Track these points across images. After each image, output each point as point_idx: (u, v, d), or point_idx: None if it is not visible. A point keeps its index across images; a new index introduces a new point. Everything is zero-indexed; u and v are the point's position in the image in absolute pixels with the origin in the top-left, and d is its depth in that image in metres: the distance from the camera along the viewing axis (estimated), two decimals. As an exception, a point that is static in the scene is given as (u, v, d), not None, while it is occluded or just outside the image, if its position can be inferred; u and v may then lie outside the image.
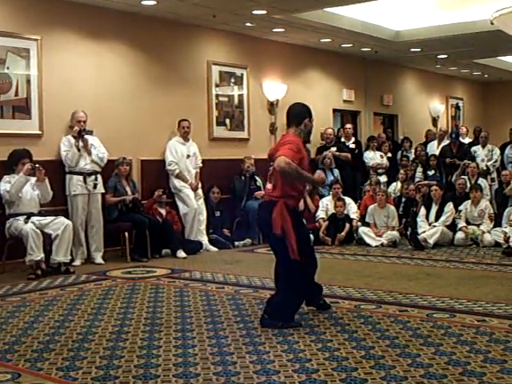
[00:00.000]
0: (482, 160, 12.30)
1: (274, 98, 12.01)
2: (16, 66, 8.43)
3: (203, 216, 10.03)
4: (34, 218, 7.80)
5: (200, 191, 10.13)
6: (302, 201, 10.44)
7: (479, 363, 4.16)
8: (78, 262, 8.57)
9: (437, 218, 10.13)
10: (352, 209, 10.72)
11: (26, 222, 7.68)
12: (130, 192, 9.24)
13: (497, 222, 10.14)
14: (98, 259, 8.78)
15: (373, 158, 12.95)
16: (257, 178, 10.81)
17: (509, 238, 9.34)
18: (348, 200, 10.81)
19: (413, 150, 13.56)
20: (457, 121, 18.20)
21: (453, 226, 10.12)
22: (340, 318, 5.45)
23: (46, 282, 7.35)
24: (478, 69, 16.90)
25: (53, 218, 7.93)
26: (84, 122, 8.74)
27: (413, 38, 12.50)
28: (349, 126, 13.33)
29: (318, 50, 13.10)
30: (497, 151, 12.60)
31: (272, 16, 10.23)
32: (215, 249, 9.87)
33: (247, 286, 6.99)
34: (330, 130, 12.50)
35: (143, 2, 9.18)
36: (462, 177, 11.28)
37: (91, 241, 8.86)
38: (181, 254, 9.17)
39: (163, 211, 9.57)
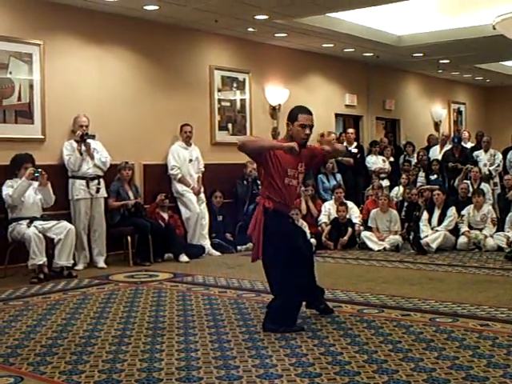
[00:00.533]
0: (485, 165, 12.30)
1: (276, 102, 12.02)
2: (19, 70, 8.45)
3: (205, 220, 10.04)
4: (36, 223, 7.80)
5: (202, 195, 10.14)
6: (304, 205, 10.59)
7: (482, 368, 4.15)
8: (80, 266, 8.57)
9: (439, 223, 10.13)
10: (354, 213, 10.72)
11: (29, 226, 7.69)
12: (132, 196, 9.26)
13: (499, 226, 10.13)
14: (101, 263, 8.78)
15: (375, 162, 12.97)
16: (259, 183, 10.79)
17: (511, 242, 9.34)
18: (350, 204, 10.81)
19: (415, 155, 13.56)
20: (459, 125, 18.20)
21: (455, 231, 10.12)
22: (343, 323, 5.45)
23: (48, 286, 7.35)
24: (480, 74, 16.90)
25: (55, 222, 7.94)
26: (86, 126, 8.75)
27: (415, 42, 12.50)
28: (351, 130, 13.34)
29: (320, 55, 13.11)
30: (499, 156, 12.60)
31: (274, 21, 10.25)
32: (218, 253, 9.87)
33: (250, 290, 6.99)
34: (332, 135, 12.50)
35: (145, 7, 9.20)
36: (465, 181, 11.28)
37: (94, 245, 8.86)
38: (183, 258, 9.17)
39: (166, 215, 9.57)
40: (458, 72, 16.49)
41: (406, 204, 11.32)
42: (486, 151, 12.61)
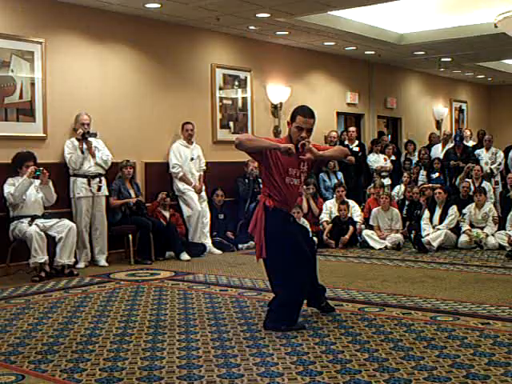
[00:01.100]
0: (486, 163, 12.31)
1: (278, 100, 12.02)
2: (20, 68, 8.45)
3: (207, 219, 10.04)
4: (38, 221, 7.81)
5: (204, 194, 10.14)
6: (305, 203, 10.59)
7: (483, 366, 4.16)
8: (81, 265, 8.58)
9: (441, 221, 10.13)
10: (356, 212, 10.72)
11: (30, 225, 7.70)
12: (133, 195, 9.26)
13: (501, 224, 10.13)
14: (102, 262, 8.79)
15: (376, 160, 12.96)
16: (260, 181, 10.80)
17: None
18: (352, 203, 10.81)
19: (416, 153, 13.57)
20: (460, 124, 18.19)
21: (457, 229, 10.12)
22: (344, 321, 5.45)
23: (49, 285, 7.36)
24: (481, 72, 16.90)
25: (57, 220, 7.95)
26: (88, 124, 8.75)
27: (417, 41, 12.50)
28: (352, 128, 13.34)
29: (321, 53, 13.11)
30: (501, 154, 12.60)
31: (276, 19, 10.24)
32: (219, 251, 9.87)
33: (251, 289, 6.99)
34: (333, 133, 12.53)
35: (147, 5, 9.19)
36: (466, 180, 11.27)
37: (95, 243, 8.87)
38: (184, 256, 9.18)
39: (167, 214, 9.58)
40: (460, 70, 16.49)
41: (407, 202, 11.32)
42: (487, 149, 12.61)
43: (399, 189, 12.04)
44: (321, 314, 5.64)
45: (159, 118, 10.09)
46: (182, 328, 5.28)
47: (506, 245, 9.52)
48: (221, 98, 11.14)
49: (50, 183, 8.00)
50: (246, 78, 11.58)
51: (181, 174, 9.92)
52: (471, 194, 10.67)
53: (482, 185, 11.15)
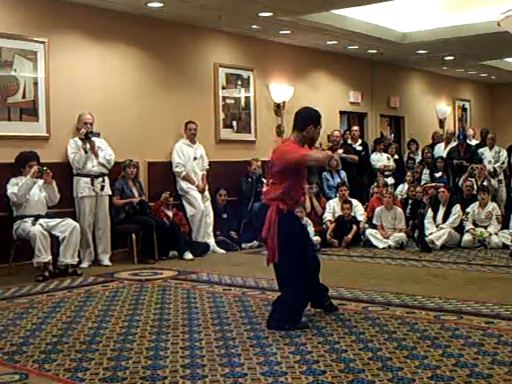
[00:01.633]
0: (489, 162, 12.28)
1: (281, 100, 12.01)
2: (23, 68, 8.45)
3: (210, 218, 10.04)
4: (41, 220, 7.81)
5: (207, 193, 10.15)
6: (308, 203, 10.58)
7: (487, 365, 4.15)
8: (85, 264, 8.59)
9: (444, 220, 10.13)
10: (359, 211, 10.71)
11: (34, 224, 7.70)
12: (136, 194, 9.26)
13: (504, 223, 10.11)
14: (106, 261, 8.80)
15: (379, 159, 12.94)
16: (263, 180, 10.80)
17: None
18: (355, 202, 10.80)
19: (420, 152, 13.55)
20: (463, 123, 18.17)
21: (460, 228, 10.11)
22: (347, 320, 5.45)
23: (53, 284, 7.37)
24: (484, 70, 16.88)
25: (60, 220, 7.95)
26: (91, 124, 8.76)
27: (419, 39, 12.49)
28: (355, 128, 13.32)
29: (324, 52, 13.10)
30: (504, 153, 12.57)
31: (278, 18, 10.24)
32: (222, 251, 9.87)
33: (254, 288, 6.99)
34: (336, 132, 12.51)
35: (149, 4, 9.20)
36: (470, 179, 11.25)
37: (98, 243, 8.87)
38: (188, 255, 9.18)
39: (170, 213, 9.58)
40: (463, 69, 16.47)
41: (410, 201, 11.31)
42: (490, 148, 12.59)
43: (402, 188, 12.03)
44: (324, 314, 5.64)
45: (162, 118, 10.09)
46: (185, 327, 5.28)
47: (510, 244, 9.51)
48: (224, 98, 11.14)
49: (54, 183, 8.01)
50: (248, 77, 11.58)
51: (184, 173, 9.92)
52: (475, 192, 10.65)
53: (492, 183, 11.14)
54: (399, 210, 10.58)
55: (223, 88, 11.12)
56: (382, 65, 14.70)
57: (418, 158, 13.39)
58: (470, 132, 15.04)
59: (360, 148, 12.77)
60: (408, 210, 11.08)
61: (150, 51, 10.01)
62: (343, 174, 11.94)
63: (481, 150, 12.69)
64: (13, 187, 7.80)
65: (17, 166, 8.03)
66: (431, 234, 9.90)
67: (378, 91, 14.80)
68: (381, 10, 11.13)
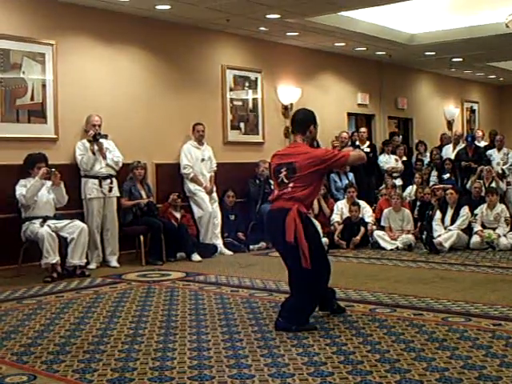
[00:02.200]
0: (498, 163, 12.24)
1: (289, 101, 12.02)
2: (32, 70, 8.49)
3: (218, 219, 10.05)
4: (49, 222, 7.84)
5: (215, 195, 10.15)
6: (316, 204, 10.57)
7: (495, 367, 4.14)
8: (93, 266, 8.60)
9: (452, 222, 10.10)
10: (367, 212, 10.69)
11: (42, 226, 7.72)
12: (144, 196, 9.28)
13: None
14: (114, 262, 8.81)
15: (387, 161, 12.93)
16: (271, 182, 10.80)
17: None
18: (363, 204, 10.78)
19: (428, 154, 13.53)
20: (472, 124, 18.12)
21: (468, 230, 10.08)
22: (355, 322, 5.44)
23: (61, 285, 7.38)
24: (493, 72, 16.84)
25: (68, 221, 7.97)
26: (99, 125, 8.79)
27: (427, 41, 12.47)
28: (363, 129, 13.32)
29: (332, 54, 13.10)
30: (512, 154, 12.53)
31: (286, 20, 10.25)
32: (230, 252, 9.88)
33: (262, 290, 6.99)
34: (344, 134, 12.49)
35: (157, 7, 9.22)
36: (478, 180, 11.22)
37: (106, 244, 8.89)
38: (195, 257, 9.19)
39: (178, 215, 9.59)
40: (471, 70, 16.43)
41: (418, 203, 11.29)
42: (499, 150, 12.54)
43: (411, 190, 12.00)
44: (332, 315, 5.63)
45: (170, 119, 10.11)
46: (193, 329, 5.29)
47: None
48: (231, 99, 11.15)
49: (62, 184, 8.03)
50: (256, 78, 11.59)
51: (192, 174, 9.94)
52: (483, 194, 10.63)
53: (501, 186, 11.11)
54: (407, 211, 10.55)
55: (231, 90, 11.14)
56: (390, 66, 14.68)
57: (427, 160, 13.36)
58: (479, 134, 15.00)
59: (368, 150, 12.75)
60: (416, 212, 11.07)
61: (157, 53, 10.03)
62: (351, 175, 11.93)
63: (489, 152, 12.65)
64: (21, 189, 7.83)
65: (25, 168, 8.07)
66: (439, 235, 9.87)
67: (386, 93, 14.78)
68: (389, 11, 11.12)
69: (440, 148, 13.70)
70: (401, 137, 15.25)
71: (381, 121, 14.76)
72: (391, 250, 9.96)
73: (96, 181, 8.71)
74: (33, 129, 8.52)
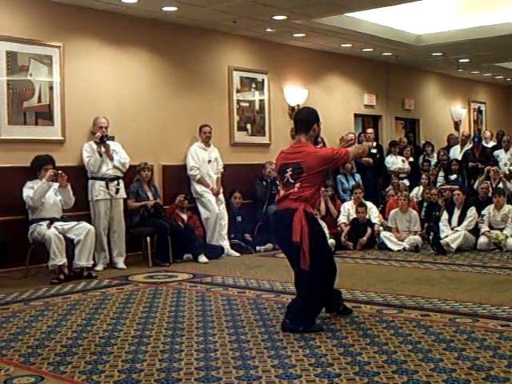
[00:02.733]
0: (505, 164, 12.21)
1: (295, 103, 12.02)
2: (39, 72, 8.52)
3: (225, 221, 10.05)
4: (56, 223, 7.86)
5: (221, 196, 10.15)
6: (323, 206, 10.57)
7: (503, 368, 4.12)
8: (100, 267, 8.61)
9: (459, 223, 10.07)
10: (373, 213, 10.67)
11: (49, 227, 7.74)
12: (151, 197, 9.29)
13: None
14: (120, 264, 8.82)
15: (394, 162, 12.92)
16: (277, 183, 10.80)
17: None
18: (370, 205, 10.77)
19: (435, 155, 13.51)
20: (479, 125, 18.08)
21: (476, 231, 10.05)
22: (362, 323, 5.43)
23: (68, 287, 7.39)
24: (500, 72, 16.79)
25: (75, 223, 7.99)
26: (106, 127, 8.81)
27: (434, 42, 12.45)
28: (370, 130, 13.30)
29: (338, 55, 13.09)
30: (520, 155, 12.50)
31: (292, 21, 10.25)
32: (237, 253, 9.88)
33: (269, 291, 6.98)
34: (351, 135, 12.47)
35: (164, 9, 9.23)
36: (485, 181, 11.20)
37: (113, 246, 8.90)
38: (202, 258, 9.19)
39: (185, 216, 9.60)
40: (478, 71, 16.40)
41: (425, 204, 11.27)
42: (506, 150, 12.52)
43: (418, 190, 11.98)
44: (339, 316, 5.62)
45: (177, 121, 10.12)
46: (199, 330, 5.29)
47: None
48: (238, 101, 11.16)
49: (69, 186, 8.04)
50: (263, 80, 11.60)
51: (198, 176, 9.94)
52: (490, 195, 10.60)
53: (508, 186, 11.09)
54: (414, 212, 10.53)
55: (238, 91, 11.15)
56: (397, 67, 14.66)
57: (434, 161, 13.35)
58: (488, 134, 14.96)
59: (375, 151, 12.74)
60: (423, 213, 11.05)
61: (164, 55, 10.04)
62: (358, 176, 11.93)
63: (496, 153, 12.63)
64: (28, 191, 7.85)
65: (32, 170, 8.10)
66: (446, 236, 9.84)
67: (393, 94, 14.76)
68: (395, 12, 11.11)
69: (447, 149, 13.69)
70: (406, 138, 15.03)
71: (388, 122, 14.74)
72: (398, 251, 9.95)
73: (103, 182, 8.73)
74: (40, 131, 8.55)
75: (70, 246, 7.87)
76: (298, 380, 3.99)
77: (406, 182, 12.42)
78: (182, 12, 9.42)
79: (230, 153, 10.86)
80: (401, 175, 12.60)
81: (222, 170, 10.25)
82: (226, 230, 10.03)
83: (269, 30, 10.80)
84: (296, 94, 12.03)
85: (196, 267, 8.79)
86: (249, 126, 11.36)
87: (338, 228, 10.55)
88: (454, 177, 12.11)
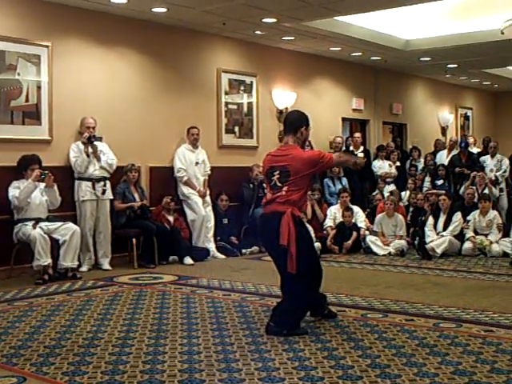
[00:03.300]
0: (491, 170, 12.27)
1: (283, 106, 12.02)
2: (27, 72, 8.48)
3: (211, 223, 10.04)
4: (42, 224, 7.82)
5: (208, 198, 10.15)
6: (310, 209, 10.58)
7: (485, 373, 4.14)
8: (85, 268, 8.59)
9: (445, 228, 10.11)
10: (360, 217, 10.70)
11: (34, 227, 7.71)
12: (138, 198, 9.27)
13: (505, 232, 10.10)
14: (106, 265, 8.79)
15: (381, 167, 12.95)
16: (264, 186, 10.80)
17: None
18: (356, 209, 10.79)
19: (422, 160, 13.56)
20: (466, 130, 18.16)
21: (461, 236, 10.10)
22: (346, 327, 5.44)
23: (53, 287, 7.36)
24: (487, 78, 16.88)
25: (61, 223, 7.96)
26: (93, 128, 8.78)
27: (423, 47, 12.50)
28: (357, 134, 13.33)
29: (327, 59, 13.12)
30: (506, 161, 12.56)
31: (282, 24, 10.25)
32: (222, 256, 9.87)
33: (254, 294, 6.99)
34: (338, 139, 12.53)
35: (154, 9, 9.22)
36: (471, 186, 11.25)
37: (99, 247, 8.87)
38: (188, 260, 9.18)
39: (171, 218, 9.59)
40: (466, 77, 16.47)
41: (411, 209, 11.31)
42: (492, 156, 12.58)
43: (404, 195, 12.03)
44: (323, 320, 5.62)
45: (165, 122, 10.10)
46: (184, 332, 5.28)
47: (510, 252, 9.49)
48: (226, 103, 11.15)
49: (55, 186, 8.01)
50: (251, 82, 11.60)
51: (185, 178, 9.93)
52: (476, 200, 10.65)
53: (494, 191, 11.15)
54: (400, 217, 10.56)
55: (226, 93, 11.14)
56: (385, 72, 14.71)
57: (420, 166, 13.40)
58: (471, 140, 15.04)
59: (362, 155, 12.76)
60: (409, 218, 11.08)
61: (153, 56, 10.03)
62: (345, 180, 11.96)
63: (483, 158, 12.69)
64: (14, 190, 7.81)
65: (19, 170, 8.06)
66: (432, 241, 9.88)
67: (381, 98, 14.80)
68: (384, 17, 11.14)
69: (434, 154, 13.74)
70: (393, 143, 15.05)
71: (375, 126, 14.78)
72: (384, 255, 9.98)
73: (89, 183, 8.70)
74: (27, 130, 8.50)
75: (55, 246, 7.84)
76: (281, 383, 3.99)
77: (393, 187, 12.47)
78: (171, 13, 9.41)
79: (218, 155, 10.85)
80: (387, 180, 12.64)
81: (209, 172, 10.24)
82: (212, 233, 10.02)
83: (258, 32, 10.80)
84: (284, 97, 12.04)
85: (181, 269, 8.77)
86: (237, 129, 11.36)
87: (324, 232, 10.57)
88: (440, 182, 12.16)
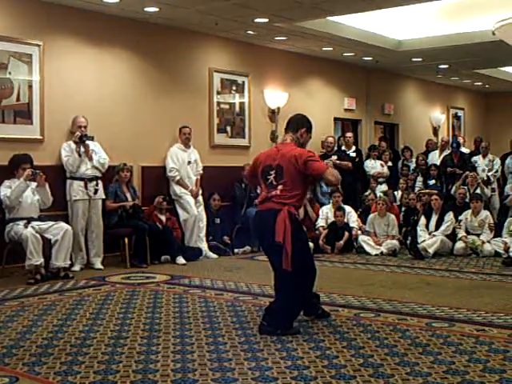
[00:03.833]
0: (483, 170, 12.32)
1: (275, 105, 12.02)
2: (18, 71, 8.45)
3: (203, 223, 10.03)
4: (33, 223, 7.79)
5: (200, 198, 10.14)
6: (302, 209, 10.57)
7: (478, 372, 4.15)
8: (77, 267, 8.56)
9: (437, 228, 10.13)
10: (352, 217, 10.71)
11: (26, 227, 7.67)
12: (130, 198, 9.25)
13: (497, 231, 10.13)
14: (98, 265, 8.77)
15: (373, 166, 12.96)
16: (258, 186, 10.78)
17: (509, 247, 9.36)
18: (348, 209, 10.80)
19: (414, 160, 13.58)
20: (457, 131, 18.20)
21: (453, 236, 10.12)
22: (339, 326, 5.44)
23: (45, 287, 7.34)
24: (479, 79, 16.92)
25: (53, 222, 7.93)
26: (85, 127, 8.76)
27: (414, 47, 12.51)
28: (349, 134, 13.33)
29: (319, 59, 13.12)
30: (497, 161, 12.62)
31: (274, 24, 10.25)
32: (215, 256, 9.87)
33: (246, 293, 6.98)
34: (330, 139, 12.52)
35: (146, 9, 9.20)
36: (463, 186, 11.28)
37: (91, 246, 8.85)
38: (180, 260, 9.17)
39: (163, 217, 9.57)
40: (458, 77, 16.51)
41: (403, 209, 11.33)
42: (484, 157, 12.63)
43: (396, 195, 12.04)
44: (316, 319, 5.63)
45: (157, 122, 10.08)
46: (176, 332, 5.27)
47: (502, 252, 9.52)
48: (218, 103, 11.14)
49: (47, 186, 7.99)
50: (243, 82, 11.59)
51: (178, 177, 9.91)
52: (467, 200, 10.68)
53: (485, 191, 11.19)
54: (392, 216, 10.58)
55: (218, 93, 11.13)
56: (377, 72, 14.73)
57: (412, 166, 13.42)
58: (460, 140, 15.08)
59: (354, 154, 12.79)
60: (401, 217, 11.09)
61: (145, 55, 10.01)
62: (337, 180, 11.92)
63: (474, 158, 12.74)
64: (6, 190, 7.78)
65: (10, 169, 8.01)
66: (424, 241, 9.90)
67: (373, 98, 14.82)
68: (377, 17, 11.15)
69: (426, 154, 13.77)
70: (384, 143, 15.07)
71: (367, 126, 14.79)
72: (376, 255, 9.99)
73: (81, 182, 8.68)
74: (18, 129, 8.46)
75: (47, 245, 7.81)
76: (274, 383, 3.99)
77: (385, 187, 12.49)
78: (163, 13, 9.39)
79: (210, 155, 10.84)
80: (379, 179, 12.65)
81: (201, 171, 10.23)
82: (204, 232, 10.02)
83: (250, 32, 10.79)
84: (276, 96, 12.04)
85: (174, 269, 8.76)
86: (229, 128, 11.35)
87: (317, 231, 10.57)
88: (432, 182, 12.19)
